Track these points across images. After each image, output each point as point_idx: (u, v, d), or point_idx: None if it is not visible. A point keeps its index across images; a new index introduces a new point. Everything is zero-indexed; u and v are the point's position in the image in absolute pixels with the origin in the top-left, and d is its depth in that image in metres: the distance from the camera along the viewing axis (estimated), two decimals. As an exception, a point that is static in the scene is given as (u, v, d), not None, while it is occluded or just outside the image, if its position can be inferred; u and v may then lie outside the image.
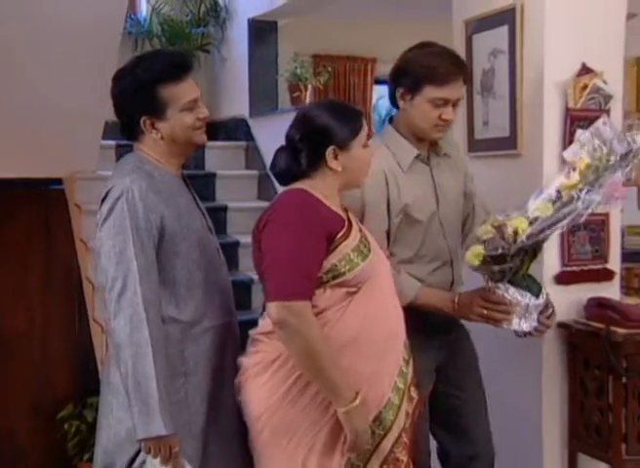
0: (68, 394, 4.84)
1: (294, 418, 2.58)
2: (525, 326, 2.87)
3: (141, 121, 2.68)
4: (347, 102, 3.05)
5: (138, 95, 2.67)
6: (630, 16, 3.69)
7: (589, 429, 3.47)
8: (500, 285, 2.82)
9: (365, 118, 2.78)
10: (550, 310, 2.97)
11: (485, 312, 2.85)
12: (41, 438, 5.09)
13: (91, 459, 4.86)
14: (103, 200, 2.65)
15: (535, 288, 2.86)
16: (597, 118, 3.46)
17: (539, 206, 2.72)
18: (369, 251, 2.66)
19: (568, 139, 3.45)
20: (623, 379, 3.35)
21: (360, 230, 2.72)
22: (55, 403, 5.03)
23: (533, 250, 2.79)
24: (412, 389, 2.75)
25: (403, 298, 2.86)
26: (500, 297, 2.84)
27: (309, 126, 2.70)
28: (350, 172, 2.69)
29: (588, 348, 3.43)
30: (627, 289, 5.42)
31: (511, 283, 2.82)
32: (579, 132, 2.93)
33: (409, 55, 3.01)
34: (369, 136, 2.78)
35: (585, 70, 3.50)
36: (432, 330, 3.01)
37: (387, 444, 2.64)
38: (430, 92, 2.91)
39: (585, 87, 3.50)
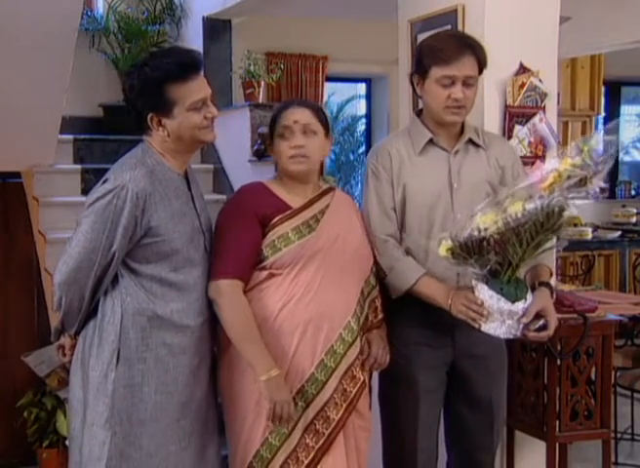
0: (28, 382, 4.85)
1: (233, 383, 2.84)
2: (501, 331, 2.77)
3: (148, 118, 2.69)
4: (293, 99, 3.21)
5: (145, 92, 2.68)
6: (564, 19, 3.83)
7: (526, 408, 3.61)
8: (478, 284, 2.77)
9: (299, 107, 2.95)
10: (541, 322, 2.83)
11: (463, 309, 2.81)
12: (1, 425, 5.13)
13: (50, 445, 4.97)
14: (100, 185, 2.70)
15: (512, 293, 2.73)
16: (534, 115, 3.65)
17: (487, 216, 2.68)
18: (301, 237, 2.82)
19: (507, 135, 3.57)
20: (558, 362, 3.50)
21: (316, 216, 2.88)
22: (14, 391, 5.06)
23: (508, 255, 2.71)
24: (355, 370, 2.87)
25: (402, 283, 2.97)
26: (475, 297, 2.78)
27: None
28: (279, 162, 2.95)
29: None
30: (563, 276, 5.63)
31: (488, 284, 2.74)
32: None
33: (421, 43, 3.09)
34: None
35: (523, 69, 3.60)
36: (441, 328, 3.02)
37: (309, 414, 2.81)
38: (436, 72, 2.93)
39: (523, 85, 3.60)
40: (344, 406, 2.85)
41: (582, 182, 2.61)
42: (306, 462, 2.80)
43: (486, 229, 2.62)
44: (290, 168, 2.90)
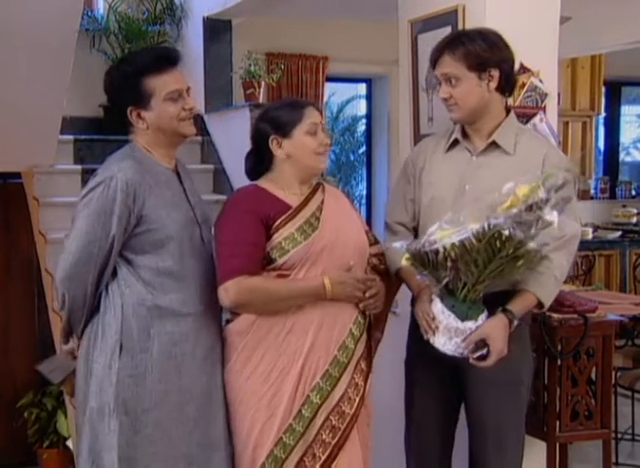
0: (28, 383, 4.87)
1: (240, 388, 2.83)
2: (448, 347, 2.75)
3: (128, 112, 2.78)
4: (297, 98, 3.20)
5: (123, 86, 2.78)
6: (564, 19, 3.83)
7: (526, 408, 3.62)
8: (435, 298, 2.77)
9: (317, 109, 2.93)
10: (482, 351, 2.75)
11: (419, 316, 2.84)
12: (2, 425, 5.14)
13: (51, 446, 4.98)
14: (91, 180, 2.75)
15: (463, 312, 2.72)
16: (534, 115, 3.64)
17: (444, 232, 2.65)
18: (306, 237, 2.81)
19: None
20: (558, 362, 3.50)
21: (315, 214, 2.87)
22: (15, 391, 5.07)
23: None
24: (362, 363, 2.90)
25: (391, 266, 3.04)
26: (429, 309, 2.78)
27: (256, 122, 2.95)
28: (296, 158, 2.87)
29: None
30: (563, 276, 5.62)
31: (442, 300, 2.74)
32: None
33: None
34: (322, 127, 2.92)
35: (523, 69, 3.58)
36: None
37: (325, 410, 2.82)
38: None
39: (523, 85, 3.59)
40: (357, 400, 2.88)
41: (531, 208, 2.59)
42: (324, 458, 2.81)
43: (436, 242, 2.62)
44: (319, 165, 2.92)
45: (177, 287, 2.77)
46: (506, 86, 2.97)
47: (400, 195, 3.14)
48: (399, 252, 2.78)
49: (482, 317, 2.74)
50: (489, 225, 2.56)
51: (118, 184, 2.67)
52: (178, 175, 2.91)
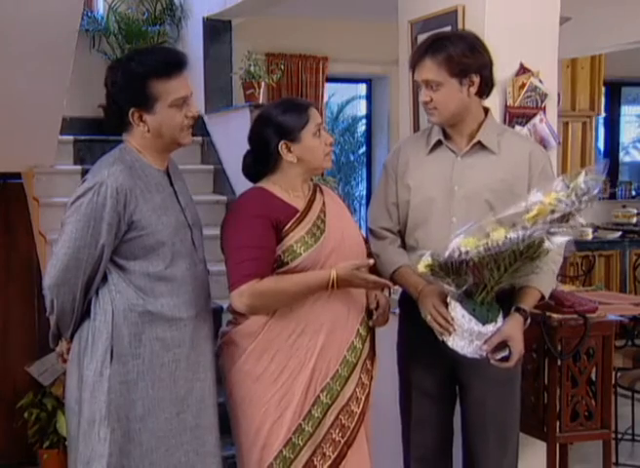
0: (28, 383, 4.85)
1: (249, 387, 2.84)
2: (468, 350, 2.77)
3: (130, 113, 2.71)
4: (294, 98, 3.20)
5: (128, 87, 2.70)
6: (564, 19, 3.83)
7: (526, 409, 3.54)
8: (452, 302, 2.76)
9: (316, 109, 2.95)
10: (504, 353, 2.80)
11: (429, 319, 2.82)
12: (2, 426, 5.13)
13: (51, 446, 4.97)
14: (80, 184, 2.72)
15: (484, 315, 2.74)
16: (534, 115, 3.66)
17: (468, 240, 2.67)
18: (316, 240, 2.83)
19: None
20: (558, 362, 3.51)
21: (320, 216, 2.89)
22: (14, 391, 5.05)
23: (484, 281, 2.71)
24: (368, 362, 2.95)
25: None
26: (446, 312, 2.78)
27: (258, 127, 2.93)
28: (307, 161, 2.89)
29: (526, 333, 3.54)
30: (563, 277, 5.63)
31: (462, 304, 2.74)
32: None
33: None
34: (323, 126, 2.95)
35: (523, 70, 3.62)
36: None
37: (335, 410, 2.86)
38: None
39: (523, 85, 3.62)
40: (363, 399, 2.93)
41: (565, 218, 2.63)
42: (333, 457, 2.86)
43: (467, 253, 2.63)
44: (325, 165, 2.96)
45: (168, 291, 2.75)
46: (485, 89, 2.99)
47: (382, 200, 3.14)
48: (419, 259, 2.74)
49: (500, 318, 2.78)
50: (524, 236, 2.60)
51: (108, 191, 2.63)
52: (169, 176, 2.87)
